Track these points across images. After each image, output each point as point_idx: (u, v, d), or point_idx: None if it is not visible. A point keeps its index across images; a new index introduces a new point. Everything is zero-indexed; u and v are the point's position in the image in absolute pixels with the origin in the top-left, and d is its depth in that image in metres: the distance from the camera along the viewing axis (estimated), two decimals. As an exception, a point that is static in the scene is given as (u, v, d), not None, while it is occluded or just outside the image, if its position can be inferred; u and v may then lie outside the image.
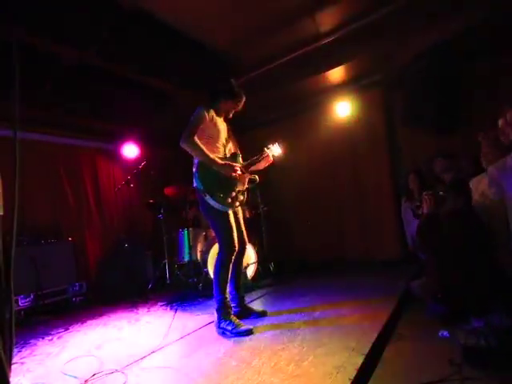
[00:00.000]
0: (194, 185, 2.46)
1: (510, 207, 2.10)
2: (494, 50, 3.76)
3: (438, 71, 3.78)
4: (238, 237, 2.55)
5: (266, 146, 2.74)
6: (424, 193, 2.63)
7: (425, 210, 2.66)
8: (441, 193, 2.72)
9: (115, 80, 3.68)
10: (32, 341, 2.67)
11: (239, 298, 2.65)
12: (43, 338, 2.72)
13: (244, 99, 2.62)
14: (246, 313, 2.63)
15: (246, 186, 2.63)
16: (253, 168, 2.68)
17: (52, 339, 2.68)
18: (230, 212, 2.45)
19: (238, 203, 2.50)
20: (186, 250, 4.16)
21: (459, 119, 3.90)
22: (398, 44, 3.69)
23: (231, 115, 2.68)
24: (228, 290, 2.62)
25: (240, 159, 2.66)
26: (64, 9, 2.62)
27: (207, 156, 2.36)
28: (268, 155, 2.67)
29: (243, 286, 2.74)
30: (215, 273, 2.44)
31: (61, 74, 3.39)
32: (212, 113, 2.48)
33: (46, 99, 3.71)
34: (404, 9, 3.04)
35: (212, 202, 2.34)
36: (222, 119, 2.62)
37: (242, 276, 2.72)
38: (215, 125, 2.50)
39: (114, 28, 2.90)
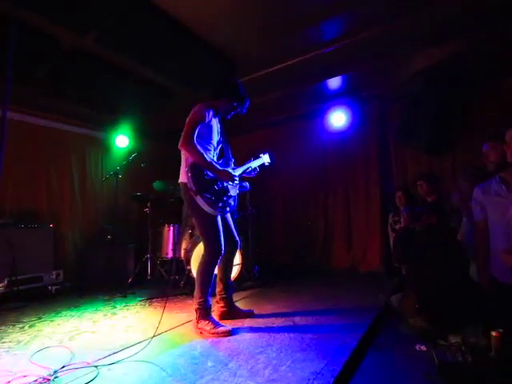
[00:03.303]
0: (183, 181, 2.38)
1: (491, 228, 2.15)
2: (485, 75, 3.87)
3: (433, 94, 3.86)
4: (228, 237, 2.54)
5: (257, 155, 2.84)
6: (402, 208, 2.69)
7: (402, 224, 2.74)
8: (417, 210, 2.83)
9: (113, 69, 3.62)
10: (2, 327, 2.57)
11: (227, 299, 2.63)
12: (14, 326, 2.62)
13: (248, 104, 2.59)
14: (233, 313, 2.61)
15: (237, 192, 2.63)
16: (244, 175, 2.74)
17: (23, 327, 2.58)
18: (219, 215, 2.41)
19: (228, 208, 2.47)
20: (170, 247, 4.11)
21: (451, 141, 3.99)
22: (398, 62, 3.75)
23: (229, 117, 2.62)
24: (217, 290, 2.60)
25: (232, 165, 2.64)
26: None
27: (207, 161, 2.31)
28: (256, 168, 2.77)
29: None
30: (198, 274, 2.39)
31: (58, 58, 3.32)
32: (210, 112, 2.40)
33: (41, 82, 3.62)
34: (406, 28, 3.11)
35: (202, 204, 2.29)
36: (217, 120, 2.56)
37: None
38: (210, 125, 2.44)
39: (119, 16, 2.85)
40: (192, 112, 2.37)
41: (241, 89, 2.55)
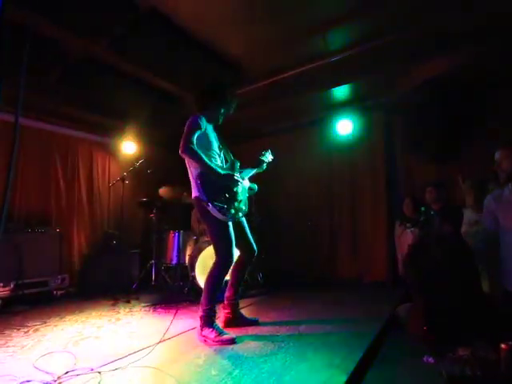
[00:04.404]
0: (196, 195, 2.39)
1: (502, 237, 2.12)
2: (494, 82, 3.86)
3: (439, 102, 3.85)
4: (245, 245, 2.57)
5: (261, 154, 2.87)
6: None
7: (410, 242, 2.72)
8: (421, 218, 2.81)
9: (121, 76, 3.68)
10: (7, 331, 2.58)
11: (234, 305, 2.61)
12: (18, 330, 2.62)
13: (235, 106, 2.61)
14: (238, 321, 2.59)
15: (246, 194, 2.63)
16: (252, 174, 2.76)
17: (28, 331, 2.58)
18: (231, 224, 2.41)
19: (240, 214, 2.47)
20: (175, 253, 4.11)
21: (457, 150, 3.97)
22: (404, 71, 3.77)
23: (221, 121, 2.63)
24: (226, 294, 2.59)
25: (238, 167, 2.65)
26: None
27: (208, 165, 2.30)
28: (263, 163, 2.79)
29: None
30: (208, 282, 2.37)
31: (67, 64, 3.39)
32: (204, 121, 2.43)
33: (50, 87, 3.69)
34: (412, 38, 3.13)
35: (215, 212, 2.29)
36: (212, 127, 2.58)
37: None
38: (206, 134, 2.46)
39: (127, 25, 2.92)
40: (187, 123, 2.38)
41: (222, 92, 2.55)
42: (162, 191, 4.42)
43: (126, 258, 4.41)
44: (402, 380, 1.85)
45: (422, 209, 3.29)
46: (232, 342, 2.20)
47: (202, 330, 2.30)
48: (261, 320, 2.69)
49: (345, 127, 4.58)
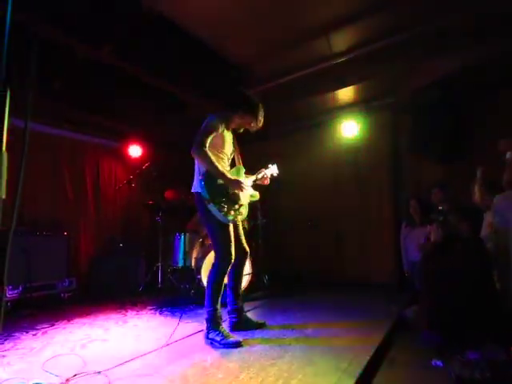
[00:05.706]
0: (196, 190, 2.41)
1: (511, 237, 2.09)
2: (501, 82, 3.83)
3: (447, 102, 3.83)
4: (238, 247, 2.53)
5: (266, 166, 2.83)
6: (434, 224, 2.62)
7: (432, 239, 2.68)
8: (440, 218, 2.77)
9: (126, 80, 3.71)
10: (16, 334, 2.61)
11: (239, 309, 2.61)
12: (27, 332, 2.65)
13: (262, 120, 2.57)
14: (245, 324, 2.59)
15: (248, 200, 2.64)
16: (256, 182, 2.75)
17: (36, 334, 2.61)
18: (231, 224, 2.42)
19: (240, 217, 2.48)
20: (181, 255, 4.12)
21: (463, 150, 3.94)
22: (410, 71, 3.75)
23: (241, 130, 2.64)
24: (228, 300, 2.59)
25: (243, 173, 2.67)
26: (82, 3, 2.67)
27: (217, 169, 2.31)
28: (267, 177, 2.75)
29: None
30: (208, 283, 2.39)
31: (73, 68, 3.43)
32: (223, 123, 2.44)
33: (56, 92, 3.73)
34: (417, 37, 3.11)
35: (215, 212, 2.31)
36: (229, 131, 2.58)
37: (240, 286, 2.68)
38: (223, 136, 2.47)
39: (132, 29, 2.95)
40: (205, 122, 2.40)
41: (256, 104, 2.54)
42: (168, 194, 4.44)
43: (133, 261, 4.43)
44: (411, 382, 1.83)
45: (441, 208, 3.27)
46: (238, 345, 2.20)
47: (208, 333, 2.30)
48: (267, 323, 2.68)
49: (350, 128, 4.57)
